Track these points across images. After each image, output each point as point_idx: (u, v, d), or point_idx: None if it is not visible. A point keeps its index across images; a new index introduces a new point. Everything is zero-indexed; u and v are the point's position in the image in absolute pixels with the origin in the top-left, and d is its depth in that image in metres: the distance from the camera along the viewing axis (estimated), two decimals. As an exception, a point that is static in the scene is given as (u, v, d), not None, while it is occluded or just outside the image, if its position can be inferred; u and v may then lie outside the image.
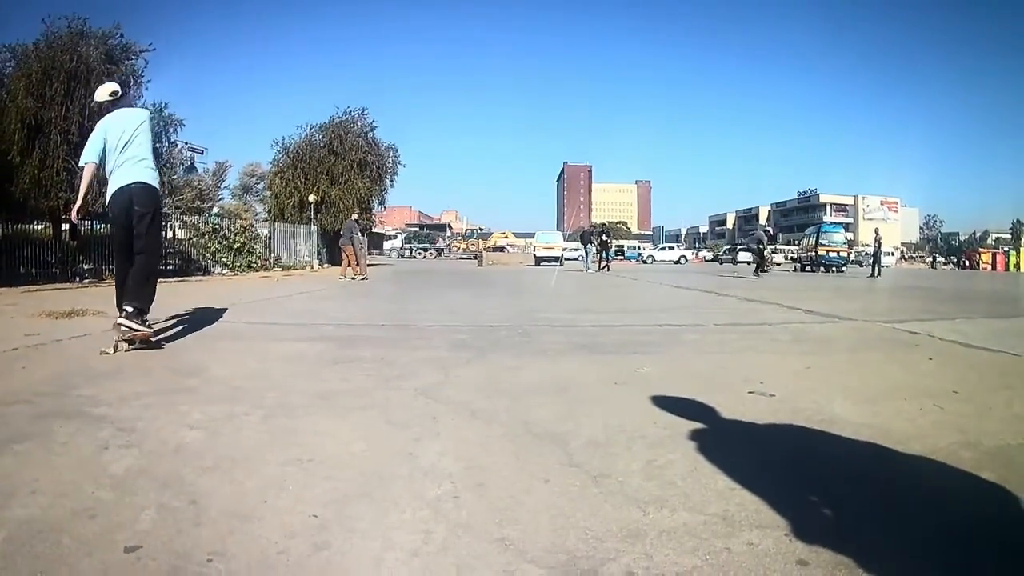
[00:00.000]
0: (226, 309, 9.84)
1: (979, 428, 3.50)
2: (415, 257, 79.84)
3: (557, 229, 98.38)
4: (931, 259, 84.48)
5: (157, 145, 23.21)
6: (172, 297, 12.86)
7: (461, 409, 3.88)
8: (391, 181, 42.37)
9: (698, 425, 3.51)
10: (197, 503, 2.42)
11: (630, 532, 2.20)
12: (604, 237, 36.46)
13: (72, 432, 3.32)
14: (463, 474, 2.75)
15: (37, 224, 22.26)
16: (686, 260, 73.39)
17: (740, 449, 3.13)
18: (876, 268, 30.29)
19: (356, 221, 24.62)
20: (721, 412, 3.80)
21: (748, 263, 61.20)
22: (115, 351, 5.73)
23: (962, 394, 4.30)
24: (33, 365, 5.23)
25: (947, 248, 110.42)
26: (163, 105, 23.63)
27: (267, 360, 5.55)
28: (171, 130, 24.24)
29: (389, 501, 2.45)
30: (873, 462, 2.99)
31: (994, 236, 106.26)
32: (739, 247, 75.44)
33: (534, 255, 49.25)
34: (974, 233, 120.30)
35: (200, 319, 8.36)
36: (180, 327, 7.51)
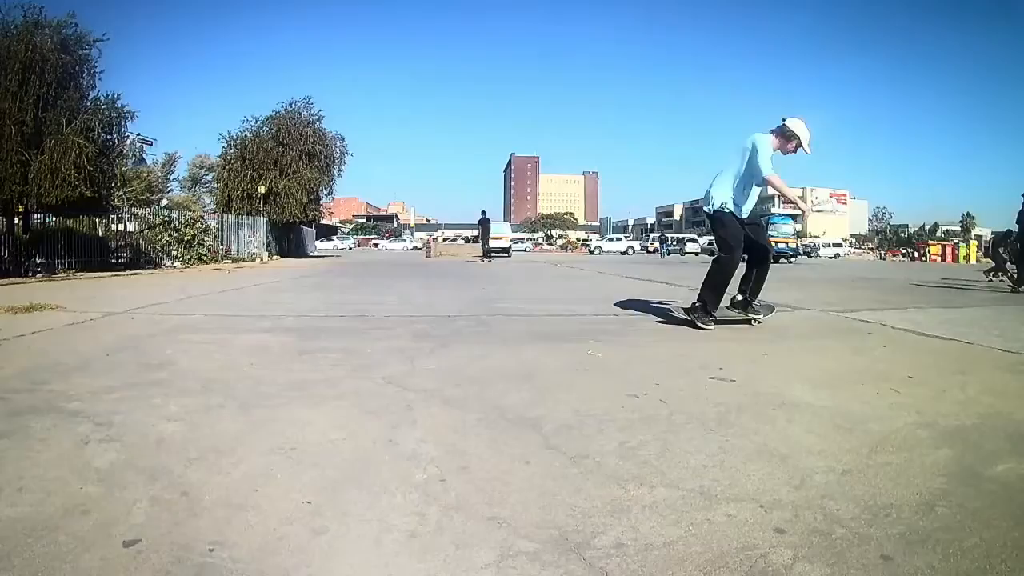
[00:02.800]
0: (183, 302, 9.81)
1: (935, 410, 3.67)
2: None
3: (505, 220, 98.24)
4: (879, 250, 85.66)
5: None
6: (126, 290, 12.76)
7: (433, 397, 3.96)
8: (339, 171, 42.58)
9: (664, 409, 3.63)
10: (188, 494, 2.44)
11: (614, 507, 2.31)
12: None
13: (49, 427, 3.30)
14: (445, 458, 2.82)
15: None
16: (633, 251, 73.98)
17: (708, 431, 3.25)
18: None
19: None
20: (685, 396, 3.93)
21: (696, 254, 61.70)
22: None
23: (917, 379, 4.47)
24: (-1, 362, 5.17)
25: (896, 240, 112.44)
26: (116, 96, 23.15)
27: (233, 352, 5.54)
28: (123, 121, 23.71)
29: (378, 486, 2.52)
30: (836, 433, 3.13)
31: (944, 229, 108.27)
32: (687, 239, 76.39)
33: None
34: (923, 225, 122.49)
35: (159, 312, 8.30)
36: (139, 320, 7.47)
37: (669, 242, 70.02)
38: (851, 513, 2.26)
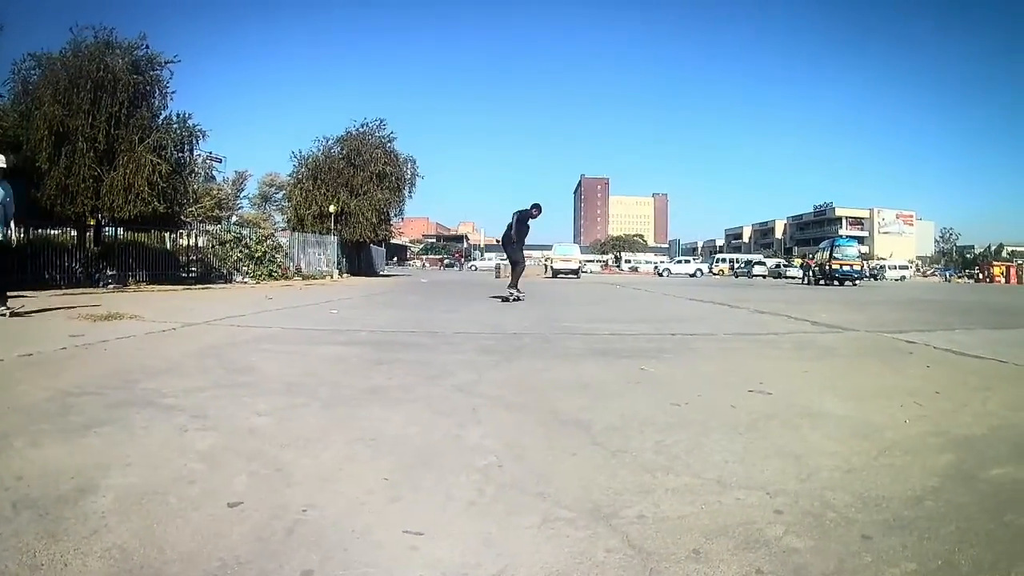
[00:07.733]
0: (258, 315, 10.43)
1: (951, 421, 3.93)
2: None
3: (574, 242, 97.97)
4: (944, 272, 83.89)
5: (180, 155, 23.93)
6: (200, 303, 13.47)
7: (496, 402, 4.39)
8: (410, 192, 42.98)
9: (701, 415, 4.00)
10: (282, 471, 2.91)
11: (642, 489, 2.70)
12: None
13: (148, 418, 3.78)
14: (504, 450, 3.25)
15: (55, 230, 22.89)
16: (702, 273, 73.58)
17: (736, 434, 3.60)
18: None
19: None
20: (723, 406, 4.28)
21: (764, 276, 61.21)
22: None
23: (943, 394, 4.70)
24: (89, 363, 5.71)
25: (962, 261, 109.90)
26: (187, 115, 24.08)
27: (312, 361, 6.04)
28: (194, 140, 24.63)
29: (446, 469, 2.96)
30: (852, 439, 3.44)
31: (1009, 249, 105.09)
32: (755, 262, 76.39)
33: (551, 267, 49.14)
34: (989, 246, 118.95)
35: (236, 324, 8.89)
36: (219, 331, 8.00)
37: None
38: (845, 502, 2.58)
